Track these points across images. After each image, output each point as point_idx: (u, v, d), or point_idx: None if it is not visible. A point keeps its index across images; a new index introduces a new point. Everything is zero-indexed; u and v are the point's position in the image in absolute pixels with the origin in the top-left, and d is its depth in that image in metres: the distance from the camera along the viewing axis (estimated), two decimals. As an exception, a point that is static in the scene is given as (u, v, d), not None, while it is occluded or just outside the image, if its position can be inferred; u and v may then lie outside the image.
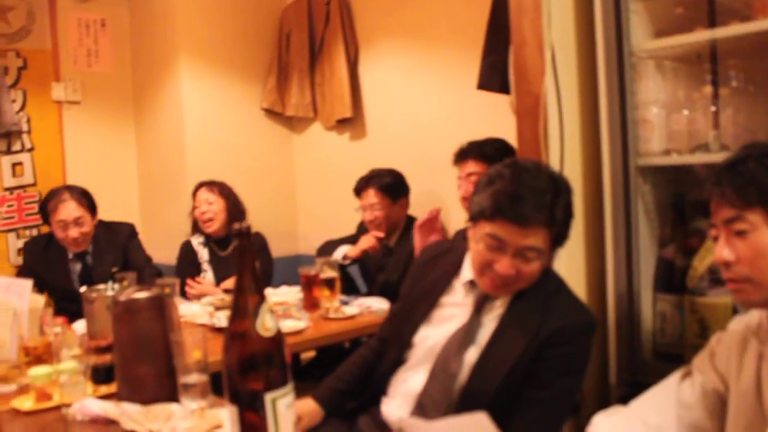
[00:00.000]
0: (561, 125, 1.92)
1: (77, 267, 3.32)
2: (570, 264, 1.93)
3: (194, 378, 1.63)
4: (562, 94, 1.92)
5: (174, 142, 3.95)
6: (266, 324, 1.33)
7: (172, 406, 1.64)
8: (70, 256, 3.31)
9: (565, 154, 1.88)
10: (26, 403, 1.79)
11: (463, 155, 2.80)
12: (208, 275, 3.49)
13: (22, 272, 3.24)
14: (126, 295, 1.80)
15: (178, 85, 3.88)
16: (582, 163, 1.96)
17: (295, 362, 3.05)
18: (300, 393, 2.86)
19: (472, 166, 2.76)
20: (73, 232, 3.18)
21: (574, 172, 1.93)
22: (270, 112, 4.12)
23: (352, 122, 3.81)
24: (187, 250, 3.56)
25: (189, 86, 3.88)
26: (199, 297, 3.17)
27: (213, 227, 3.44)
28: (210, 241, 3.51)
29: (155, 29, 4.05)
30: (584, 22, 1.96)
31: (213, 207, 3.42)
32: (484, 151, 2.73)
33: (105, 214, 3.99)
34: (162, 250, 4.13)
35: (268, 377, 1.33)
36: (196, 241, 3.54)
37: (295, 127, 4.20)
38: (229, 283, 3.39)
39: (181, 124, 3.88)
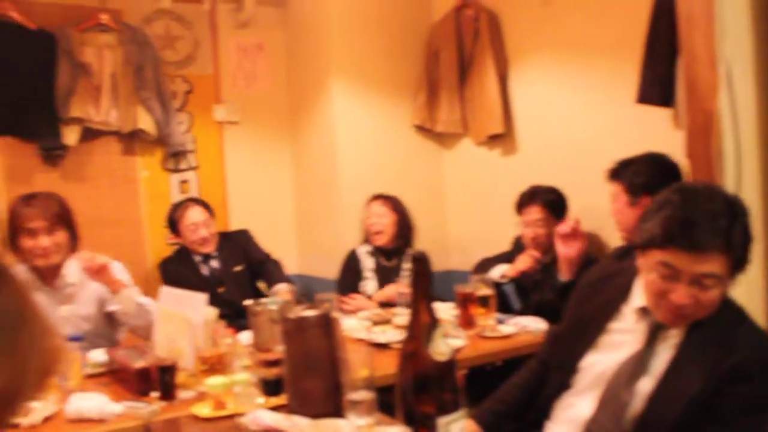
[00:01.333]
0: (737, 144, 1.82)
1: (206, 270, 3.67)
2: (748, 291, 1.82)
3: (361, 395, 1.67)
4: (738, 111, 1.82)
5: (327, 159, 4.09)
6: (440, 349, 1.35)
7: (340, 422, 1.69)
8: (198, 261, 3.66)
9: (742, 175, 1.78)
10: (204, 409, 1.91)
11: (613, 175, 2.73)
12: (369, 284, 3.60)
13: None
14: (295, 313, 1.88)
15: (331, 103, 4.01)
16: (761, 183, 1.85)
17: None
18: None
19: (617, 188, 2.70)
20: (203, 232, 3.58)
21: (752, 193, 1.82)
22: (420, 129, 4.17)
23: (503, 138, 3.78)
24: (351, 259, 3.70)
25: (341, 104, 4.00)
26: (355, 312, 3.26)
27: (381, 240, 3.59)
28: (377, 251, 3.63)
29: (309, 51, 4.22)
30: (762, 34, 1.85)
31: (383, 220, 3.57)
32: (626, 178, 2.65)
33: (262, 228, 4.21)
34: (316, 264, 4.29)
35: (442, 401, 1.35)
36: (363, 250, 3.67)
37: (446, 143, 4.23)
38: (383, 294, 3.47)
39: (333, 141, 4.01)
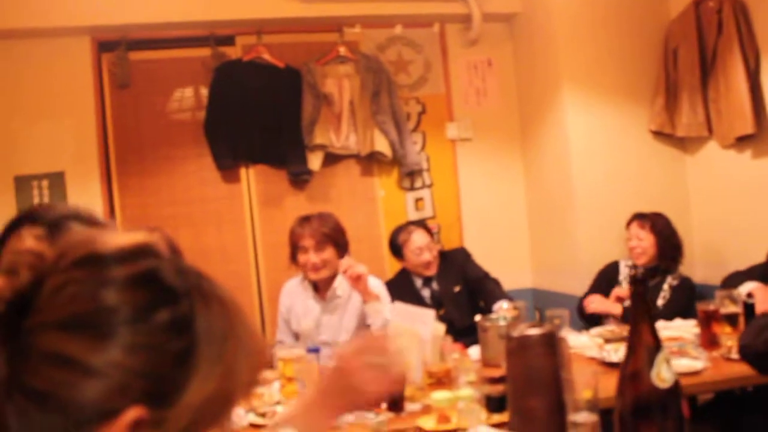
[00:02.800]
0: None
1: (426, 293, 3.66)
2: None
3: (584, 417, 1.61)
4: None
5: (560, 171, 3.99)
6: (662, 375, 1.26)
7: (563, 444, 1.64)
8: (419, 284, 3.66)
9: None
10: (429, 423, 1.96)
11: None
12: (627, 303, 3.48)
13: None
14: (519, 331, 1.85)
15: (562, 115, 3.92)
16: None
17: (691, 404, 2.82)
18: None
19: None
20: (427, 255, 3.58)
21: None
22: (659, 134, 3.93)
23: (754, 139, 3.42)
24: (611, 267, 3.63)
25: (573, 115, 3.89)
26: (598, 311, 3.19)
27: (642, 260, 3.44)
28: (639, 268, 3.50)
29: (538, 62, 4.17)
30: None
31: (642, 243, 3.43)
32: None
33: (495, 243, 4.23)
34: (549, 278, 4.20)
35: (663, 430, 1.26)
36: (624, 264, 3.58)
37: (687, 148, 3.93)
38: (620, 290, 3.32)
39: (566, 152, 3.91)
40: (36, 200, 3.96)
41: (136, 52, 4.11)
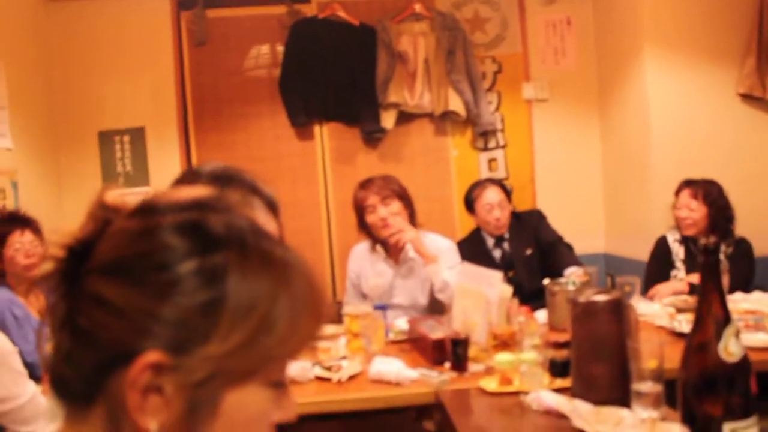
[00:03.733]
0: None
1: (498, 253, 3.61)
2: None
3: (648, 386, 1.58)
4: None
5: (639, 135, 3.87)
6: (729, 348, 1.23)
7: (623, 412, 1.62)
8: (490, 245, 3.60)
9: None
10: (491, 384, 1.97)
11: None
12: (680, 274, 3.35)
13: None
14: (586, 296, 1.83)
15: (643, 76, 3.78)
16: None
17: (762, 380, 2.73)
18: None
19: None
20: (497, 213, 3.50)
21: None
22: (747, 97, 3.74)
23: None
24: (661, 245, 3.48)
25: (654, 77, 3.75)
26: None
27: (691, 231, 3.29)
28: (687, 239, 3.36)
29: (619, 22, 4.01)
30: None
31: (694, 214, 3.27)
32: None
33: (568, 206, 4.16)
34: (625, 244, 4.11)
35: (728, 405, 1.23)
36: (672, 238, 3.43)
37: (777, 112, 3.74)
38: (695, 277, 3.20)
39: (646, 116, 3.77)
40: (118, 155, 4.12)
41: (214, 10, 4.18)
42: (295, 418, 0.76)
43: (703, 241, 1.25)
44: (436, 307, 2.94)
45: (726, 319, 1.25)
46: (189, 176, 1.23)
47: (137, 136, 4.13)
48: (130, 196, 0.75)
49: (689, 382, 1.27)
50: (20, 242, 2.94)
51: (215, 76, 4.21)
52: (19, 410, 1.68)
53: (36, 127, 3.84)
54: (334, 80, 4.11)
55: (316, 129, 4.22)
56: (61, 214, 4.01)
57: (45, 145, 3.95)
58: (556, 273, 3.40)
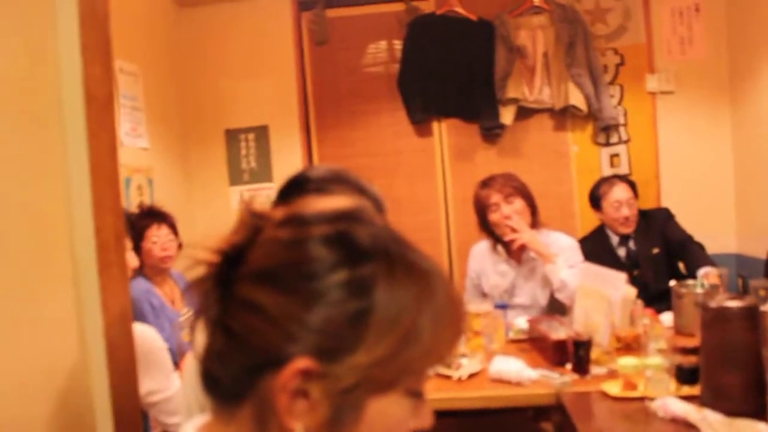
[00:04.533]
0: None
1: (623, 252, 3.52)
2: None
3: (787, 399, 1.51)
4: None
5: (773, 127, 3.64)
6: None
7: (759, 425, 1.55)
8: (615, 243, 3.53)
9: None
10: (614, 388, 1.93)
11: None
12: None
13: None
14: (717, 302, 1.76)
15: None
16: None
17: None
18: None
19: None
20: (626, 211, 3.44)
21: None
22: None
23: None
24: None
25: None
26: None
27: None
28: None
29: (753, 6, 3.78)
30: None
31: None
32: None
33: (696, 204, 4.00)
34: (759, 244, 3.88)
35: None
36: None
37: None
38: None
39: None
40: (243, 152, 4.30)
41: (333, 10, 4.28)
42: (430, 426, 0.78)
43: None
44: (557, 307, 2.90)
45: None
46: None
47: (261, 133, 4.30)
48: (257, 193, 0.80)
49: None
50: (157, 236, 3.13)
51: (335, 75, 4.31)
52: (167, 402, 1.79)
53: (169, 128, 4.07)
54: (452, 76, 4.11)
55: (435, 125, 4.24)
56: (192, 208, 4.24)
57: (177, 144, 4.18)
58: (688, 273, 3.27)
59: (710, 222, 4.01)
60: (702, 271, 3.12)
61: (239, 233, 0.74)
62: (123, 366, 1.19)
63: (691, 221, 3.67)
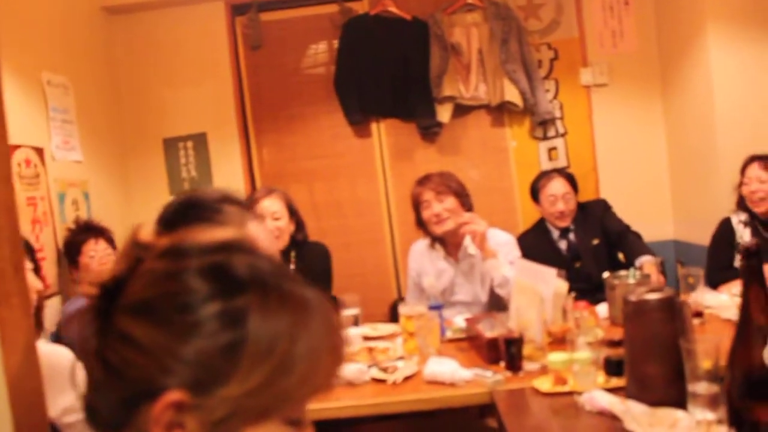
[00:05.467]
0: None
1: (563, 245, 3.57)
2: None
3: (703, 387, 1.55)
4: None
5: (704, 115, 3.73)
6: (774, 353, 1.19)
7: (678, 413, 1.59)
8: (555, 235, 3.57)
9: None
10: (545, 384, 1.95)
11: None
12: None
13: None
14: (637, 295, 1.80)
15: (706, 55, 3.63)
16: None
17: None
18: None
19: None
20: (561, 205, 3.49)
21: None
22: (818, 71, 3.56)
23: None
24: (724, 228, 3.35)
25: (718, 55, 3.60)
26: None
27: (762, 207, 3.16)
28: (755, 219, 3.23)
29: (680, 2, 3.87)
30: None
31: (765, 186, 3.14)
32: None
33: (633, 192, 4.07)
34: (694, 230, 3.98)
35: (776, 411, 1.20)
36: (737, 219, 3.29)
37: None
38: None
39: (710, 97, 3.64)
40: (182, 160, 4.25)
41: (267, 13, 4.25)
42: None
43: (743, 243, 1.21)
44: (498, 304, 2.93)
45: (770, 322, 1.21)
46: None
47: (200, 141, 4.25)
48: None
49: (734, 385, 1.24)
50: (94, 250, 3.07)
51: (272, 79, 4.28)
52: (82, 423, 1.75)
53: (104, 139, 3.99)
54: (388, 76, 4.12)
55: (374, 126, 4.25)
56: (131, 220, 4.17)
57: (113, 155, 4.10)
58: (627, 263, 3.34)
59: (648, 210, 4.10)
60: (639, 261, 3.19)
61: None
62: (27, 400, 1.17)
63: (629, 210, 3.74)
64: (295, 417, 0.72)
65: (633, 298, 1.79)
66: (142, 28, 4.22)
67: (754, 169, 3.18)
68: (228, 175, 4.18)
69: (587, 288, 3.17)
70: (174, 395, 0.66)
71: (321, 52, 4.29)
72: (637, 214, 3.82)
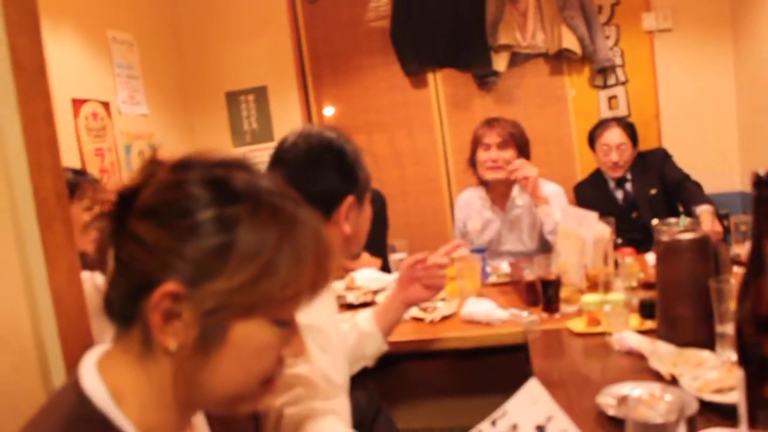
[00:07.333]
0: None
1: (620, 194, 3.51)
2: None
3: (731, 328, 1.55)
4: None
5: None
6: (784, 285, 1.19)
7: (705, 354, 1.59)
8: (612, 185, 3.51)
9: None
10: (579, 325, 1.98)
11: None
12: None
13: None
14: (669, 235, 1.79)
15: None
16: None
17: None
18: None
19: None
20: (614, 156, 3.42)
21: None
22: None
23: None
24: None
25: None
26: None
27: None
28: None
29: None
30: None
31: None
32: None
33: (699, 143, 3.95)
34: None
35: (782, 344, 1.20)
36: None
37: None
38: None
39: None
40: (244, 113, 4.37)
41: (325, -34, 4.27)
42: (303, 354, 0.87)
43: (758, 171, 1.20)
44: (548, 251, 2.93)
45: (783, 256, 1.20)
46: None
47: (260, 94, 4.35)
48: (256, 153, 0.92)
49: (743, 321, 1.24)
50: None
51: (329, 31, 4.33)
52: None
53: (168, 93, 4.15)
54: (444, 26, 4.10)
55: (430, 77, 4.25)
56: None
57: (177, 109, 4.26)
58: (685, 212, 3.26)
59: (714, 161, 3.99)
60: (698, 209, 3.12)
61: (137, 177, 0.83)
62: (71, 313, 1.28)
63: (693, 161, 3.66)
64: (280, 317, 0.82)
65: (665, 238, 1.79)
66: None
67: None
68: (288, 127, 4.22)
69: (643, 238, 3.13)
70: (170, 286, 0.76)
71: (379, 5, 4.30)
72: (703, 165, 3.72)
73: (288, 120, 4.32)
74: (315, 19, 4.32)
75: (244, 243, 0.77)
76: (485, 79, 4.10)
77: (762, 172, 1.21)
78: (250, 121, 4.36)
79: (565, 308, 2.15)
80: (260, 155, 4.27)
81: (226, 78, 4.36)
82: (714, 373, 1.47)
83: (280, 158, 1.56)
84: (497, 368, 2.68)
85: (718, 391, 1.38)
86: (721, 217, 2.91)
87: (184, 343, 0.77)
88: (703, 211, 3.11)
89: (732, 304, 1.61)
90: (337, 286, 2.55)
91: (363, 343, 1.81)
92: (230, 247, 0.77)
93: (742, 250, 2.44)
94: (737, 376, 1.17)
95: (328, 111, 4.38)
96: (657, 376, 1.54)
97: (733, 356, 1.50)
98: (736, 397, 1.16)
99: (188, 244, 0.76)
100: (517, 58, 4.09)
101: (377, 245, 2.91)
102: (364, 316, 1.86)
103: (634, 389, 1.44)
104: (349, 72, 4.31)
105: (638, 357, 1.70)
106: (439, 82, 4.24)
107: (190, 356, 0.78)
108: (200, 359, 0.78)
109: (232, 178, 0.81)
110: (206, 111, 4.38)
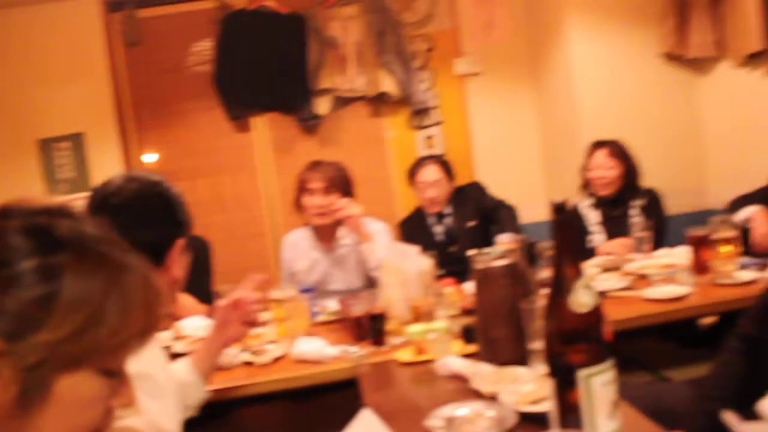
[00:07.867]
0: None
1: (439, 229, 3.64)
2: None
3: (540, 344, 1.66)
4: None
5: (568, 101, 3.94)
6: (580, 300, 1.30)
7: (520, 370, 1.70)
8: (432, 221, 3.64)
9: None
10: (406, 355, 2.04)
11: None
12: (597, 238, 3.40)
13: None
14: (484, 263, 1.91)
15: (568, 41, 3.84)
16: None
17: (690, 328, 2.83)
18: (698, 359, 2.65)
19: None
20: (431, 192, 3.53)
21: None
22: (669, 57, 3.83)
23: (765, 55, 3.32)
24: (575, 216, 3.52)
25: (578, 41, 3.81)
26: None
27: (607, 191, 3.36)
28: (601, 202, 3.42)
29: (546, -9, 4.07)
30: None
31: (611, 172, 3.32)
32: None
33: (508, 177, 4.23)
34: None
35: (583, 353, 1.31)
36: (585, 204, 3.48)
37: (699, 70, 3.82)
38: (611, 245, 3.24)
39: (571, 81, 3.85)
40: (58, 162, 4.13)
41: (145, 10, 4.18)
42: (132, 404, 0.84)
43: (554, 201, 1.31)
44: (374, 288, 2.99)
45: (577, 272, 1.31)
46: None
47: (77, 141, 4.14)
48: (75, 202, 0.85)
49: (550, 337, 1.34)
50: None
51: (152, 75, 4.23)
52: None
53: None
54: (266, 71, 4.14)
55: (254, 121, 4.26)
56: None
57: (-17, 157, 3.95)
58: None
59: (522, 194, 4.25)
60: (497, 238, 3.31)
61: None
62: None
63: (504, 194, 3.86)
64: (108, 367, 0.78)
65: (480, 266, 1.90)
66: (14, 24, 4.08)
67: (601, 157, 3.36)
68: (107, 175, 4.04)
69: (462, 270, 3.28)
70: None
71: (200, 49, 4.26)
72: (513, 198, 3.94)
73: (106, 167, 4.11)
74: (137, 63, 4.20)
75: (69, 292, 0.74)
76: (309, 122, 4.17)
77: (557, 200, 1.33)
78: (66, 170, 4.12)
79: (392, 340, 2.20)
80: (78, 204, 4.05)
81: (39, 124, 4.10)
82: (529, 386, 1.57)
83: (103, 203, 1.50)
84: (332, 406, 2.68)
85: (534, 402, 1.47)
86: (529, 246, 3.12)
87: (3, 402, 0.71)
88: (502, 240, 3.31)
89: (540, 323, 1.74)
90: (164, 335, 2.45)
91: (185, 393, 1.74)
92: (54, 297, 0.73)
93: (548, 274, 2.62)
94: (548, 386, 1.26)
95: (150, 157, 4.25)
96: (480, 396, 1.62)
97: (545, 369, 1.63)
98: (549, 405, 1.25)
99: (8, 296, 0.72)
100: (339, 102, 4.20)
101: (203, 292, 2.84)
102: (181, 365, 1.80)
103: (460, 409, 1.52)
104: (172, 117, 4.22)
105: (463, 380, 1.78)
106: (263, 125, 4.26)
107: (9, 417, 0.72)
108: (22, 419, 0.73)
109: (56, 225, 0.77)
110: (17, 159, 4.09)
